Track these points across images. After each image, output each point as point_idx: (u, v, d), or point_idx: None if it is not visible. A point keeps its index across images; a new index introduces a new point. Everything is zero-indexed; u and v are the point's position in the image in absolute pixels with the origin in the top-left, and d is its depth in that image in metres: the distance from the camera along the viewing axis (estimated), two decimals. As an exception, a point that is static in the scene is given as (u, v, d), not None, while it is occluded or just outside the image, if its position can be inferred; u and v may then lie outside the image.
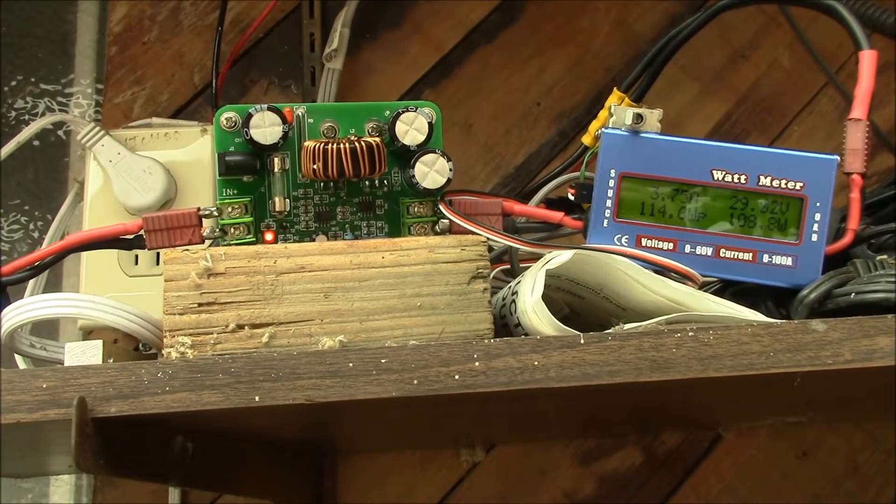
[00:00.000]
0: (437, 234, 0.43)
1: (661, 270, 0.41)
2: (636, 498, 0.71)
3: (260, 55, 0.80)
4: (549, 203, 0.47)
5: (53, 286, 0.72)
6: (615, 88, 0.52)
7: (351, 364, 0.36)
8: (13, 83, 0.81)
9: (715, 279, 0.45)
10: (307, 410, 0.41)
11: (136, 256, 0.57)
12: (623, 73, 0.80)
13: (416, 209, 0.44)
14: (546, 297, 0.43)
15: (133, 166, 0.58)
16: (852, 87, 0.81)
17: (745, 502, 0.71)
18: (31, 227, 0.79)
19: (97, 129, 0.58)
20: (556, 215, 0.44)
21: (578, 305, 0.45)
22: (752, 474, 0.72)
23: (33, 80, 0.82)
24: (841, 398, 0.61)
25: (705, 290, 0.45)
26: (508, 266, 0.49)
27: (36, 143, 0.80)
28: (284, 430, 0.55)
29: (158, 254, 0.56)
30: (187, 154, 0.60)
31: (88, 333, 0.61)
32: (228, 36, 0.79)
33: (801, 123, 0.79)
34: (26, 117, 0.81)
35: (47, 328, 0.70)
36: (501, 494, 0.71)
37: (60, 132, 0.80)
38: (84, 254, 0.59)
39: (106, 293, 0.57)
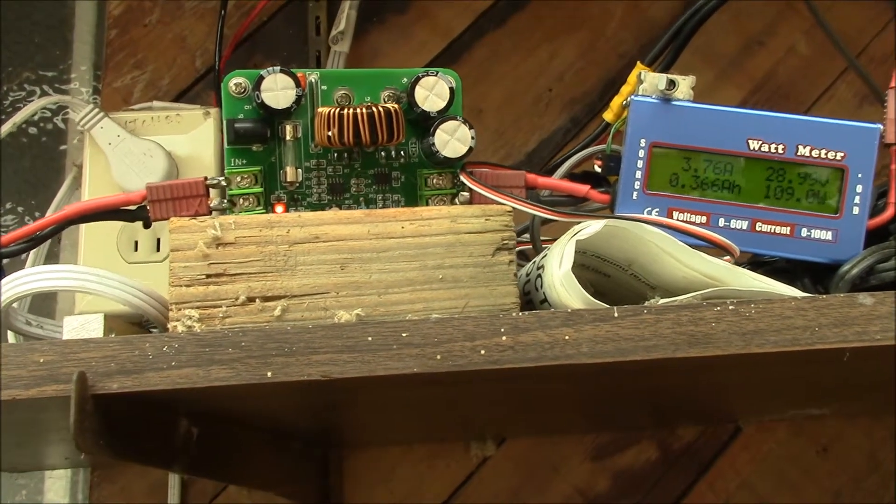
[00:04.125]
0: (470, 205, 0.40)
1: (697, 243, 0.39)
2: (651, 494, 0.69)
3: (264, 39, 0.78)
4: (573, 177, 0.44)
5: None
6: (638, 62, 0.50)
7: (370, 338, 0.33)
8: (10, 69, 0.79)
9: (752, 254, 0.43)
10: (319, 391, 0.39)
11: (136, 243, 0.55)
12: (636, 59, 0.78)
13: (434, 181, 0.41)
14: (570, 276, 0.41)
15: (133, 149, 0.56)
16: (872, 71, 0.80)
17: (764, 499, 0.69)
18: (28, 217, 0.76)
19: (96, 110, 0.56)
20: (583, 188, 0.42)
21: (604, 285, 0.43)
22: (770, 470, 0.69)
23: (31, 66, 0.80)
24: (868, 385, 0.59)
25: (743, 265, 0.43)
26: (526, 247, 0.47)
27: (33, 131, 0.77)
28: (293, 414, 0.53)
29: (159, 240, 0.54)
30: (190, 138, 0.58)
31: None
32: (231, 19, 0.76)
33: (820, 110, 0.77)
34: (23, 105, 0.79)
35: (46, 309, 0.68)
36: (512, 490, 0.69)
37: (58, 120, 0.78)
38: (82, 240, 0.57)
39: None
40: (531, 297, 0.39)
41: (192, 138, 0.58)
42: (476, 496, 0.68)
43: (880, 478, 0.70)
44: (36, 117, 0.78)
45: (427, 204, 0.41)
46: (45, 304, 0.66)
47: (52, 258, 0.71)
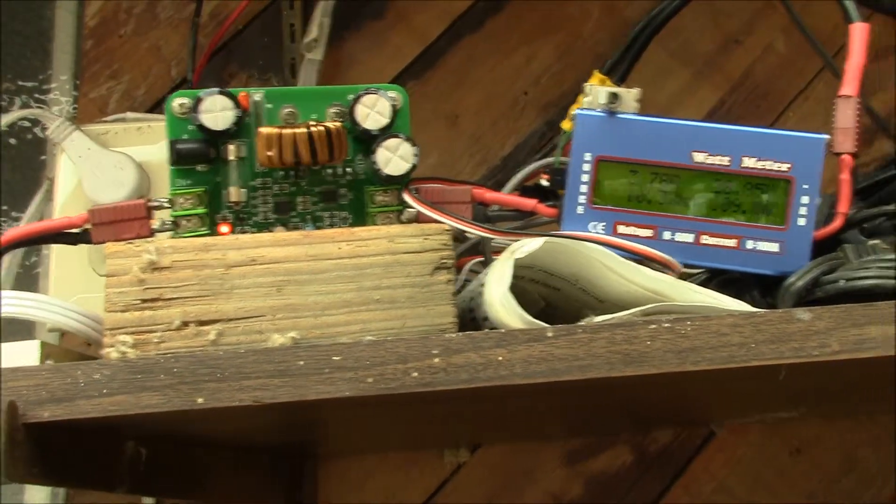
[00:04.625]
0: (403, 224, 0.40)
1: (639, 259, 0.39)
2: (626, 499, 0.69)
3: (239, 48, 0.78)
4: (525, 190, 0.44)
5: (30, 287, 0.70)
6: (596, 71, 0.50)
7: (301, 362, 0.33)
8: (-10, 80, 0.79)
9: (700, 270, 0.43)
10: (278, 412, 0.39)
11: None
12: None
13: (380, 198, 0.41)
14: (520, 290, 0.41)
15: (103, 161, 0.56)
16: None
17: (739, 501, 0.69)
18: (6, 227, 0.77)
19: (66, 123, 0.56)
20: (529, 202, 0.42)
21: (555, 298, 0.43)
22: (745, 472, 0.69)
23: (10, 76, 0.80)
24: (836, 391, 0.59)
25: (690, 281, 0.43)
26: (483, 258, 0.47)
27: (12, 141, 0.78)
28: (256, 433, 0.53)
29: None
30: (161, 149, 0.58)
31: (62, 336, 0.59)
32: (206, 29, 0.76)
33: (797, 109, 0.77)
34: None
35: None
36: (487, 496, 0.69)
37: (37, 130, 0.78)
38: (53, 253, 0.57)
39: (75, 293, 0.55)
40: (475, 315, 0.39)
41: (163, 148, 0.58)
42: (451, 503, 0.68)
43: (856, 478, 0.69)
44: (15, 128, 0.78)
45: (374, 221, 0.41)
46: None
47: (32, 270, 0.71)
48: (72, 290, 0.55)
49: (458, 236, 0.44)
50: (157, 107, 0.76)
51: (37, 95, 0.79)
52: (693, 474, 0.69)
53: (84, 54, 0.78)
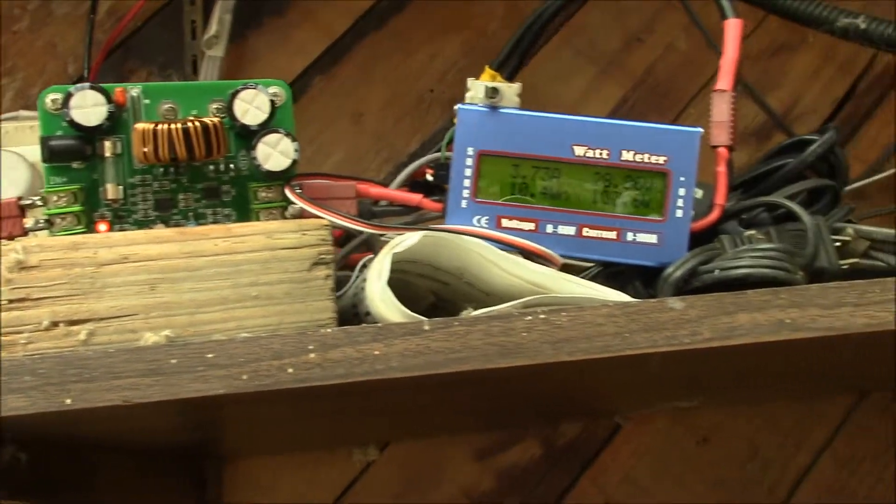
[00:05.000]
0: (287, 220, 0.40)
1: (521, 252, 0.39)
2: (536, 491, 0.69)
3: (139, 44, 0.76)
4: (413, 186, 0.44)
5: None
6: (487, 66, 0.50)
7: (174, 360, 0.33)
8: None
9: (592, 263, 0.43)
10: (167, 412, 0.38)
11: None
12: (516, 58, 0.78)
13: (263, 194, 0.41)
14: (409, 285, 0.41)
15: (-6, 161, 0.54)
16: (748, 69, 0.81)
17: (646, 491, 0.70)
18: None
19: (-47, 122, 0.54)
20: (415, 198, 0.42)
21: (444, 292, 0.43)
22: (652, 462, 0.70)
23: None
24: (731, 379, 0.60)
25: (582, 275, 0.43)
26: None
27: None
28: (154, 434, 0.52)
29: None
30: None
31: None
32: (105, 25, 0.75)
33: (698, 106, 0.78)
34: None
35: None
36: (397, 494, 0.69)
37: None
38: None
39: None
40: (358, 310, 0.39)
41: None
42: (360, 501, 0.68)
43: (760, 463, 0.71)
44: None
45: (258, 218, 0.41)
46: None
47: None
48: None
49: (351, 233, 0.44)
50: (53, 105, 0.74)
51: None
52: (601, 466, 0.70)
53: (-24, 52, 0.75)
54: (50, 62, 0.75)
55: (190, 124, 0.37)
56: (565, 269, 0.47)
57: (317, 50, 0.77)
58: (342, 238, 0.46)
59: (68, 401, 0.32)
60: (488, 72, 0.49)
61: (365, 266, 0.45)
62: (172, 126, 0.37)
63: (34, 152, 0.55)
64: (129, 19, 0.74)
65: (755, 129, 0.79)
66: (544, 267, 0.38)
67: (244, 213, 0.41)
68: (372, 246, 0.45)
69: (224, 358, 0.33)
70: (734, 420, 0.71)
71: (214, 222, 0.41)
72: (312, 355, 0.33)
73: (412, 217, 0.44)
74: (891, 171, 0.73)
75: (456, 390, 0.45)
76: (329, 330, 0.33)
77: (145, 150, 0.37)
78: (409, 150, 0.76)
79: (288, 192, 0.39)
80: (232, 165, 0.41)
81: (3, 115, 0.62)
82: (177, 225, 0.40)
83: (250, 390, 0.33)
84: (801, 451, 0.71)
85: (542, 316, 0.34)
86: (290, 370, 0.33)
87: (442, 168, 0.41)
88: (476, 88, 0.40)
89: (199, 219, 0.41)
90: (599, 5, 0.82)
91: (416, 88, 0.77)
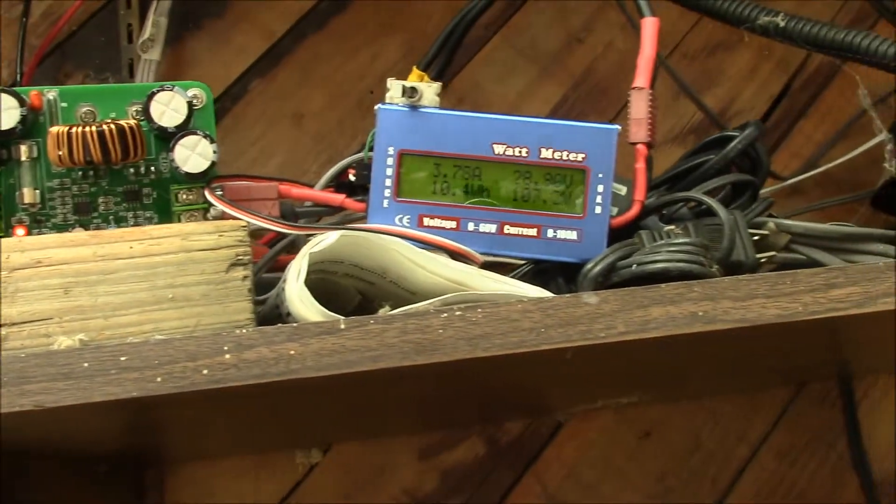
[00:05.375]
0: (204, 222, 0.40)
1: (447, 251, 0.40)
2: (480, 490, 0.70)
3: (74, 48, 0.75)
4: (338, 186, 0.44)
5: None
6: (414, 67, 0.50)
7: (86, 364, 0.32)
8: None
9: (524, 262, 0.44)
10: (99, 416, 0.38)
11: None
12: (456, 57, 0.79)
13: (185, 196, 0.41)
14: (335, 285, 0.41)
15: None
16: (685, 68, 0.82)
17: (590, 487, 0.71)
18: None
19: None
20: (337, 198, 0.42)
21: (371, 292, 0.43)
22: (595, 458, 0.71)
23: None
24: (670, 375, 0.61)
25: (513, 273, 0.43)
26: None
27: None
28: (90, 441, 0.51)
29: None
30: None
31: None
32: (39, 28, 0.74)
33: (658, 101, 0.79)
34: None
35: None
36: (340, 496, 0.68)
37: None
38: None
39: None
40: (280, 311, 0.39)
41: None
42: (304, 504, 0.68)
43: (702, 456, 0.72)
44: None
45: (180, 220, 0.41)
46: None
47: None
48: None
49: (281, 235, 0.44)
50: (-13, 111, 0.73)
51: None
52: (545, 463, 0.71)
53: None
54: (-17, 67, 0.74)
55: (105, 127, 0.37)
56: (494, 267, 0.47)
57: (256, 52, 0.77)
58: (274, 240, 0.46)
59: (-23, 406, 0.32)
60: (416, 72, 0.50)
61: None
62: (87, 129, 0.37)
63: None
64: (65, 22, 0.73)
65: (694, 127, 0.80)
66: (464, 265, 0.39)
67: (166, 215, 0.41)
68: (300, 247, 0.45)
69: (137, 360, 0.33)
70: (676, 415, 0.72)
71: (136, 225, 0.41)
72: (227, 356, 0.33)
73: (337, 217, 0.44)
74: (825, 167, 0.75)
75: (389, 389, 0.45)
76: (244, 330, 0.33)
77: (60, 153, 0.37)
78: (350, 151, 0.75)
79: (207, 194, 0.39)
80: (153, 168, 0.41)
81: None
82: (97, 228, 0.40)
83: (164, 392, 0.32)
84: (742, 444, 0.73)
85: (458, 313, 0.35)
86: (205, 371, 0.33)
87: (364, 168, 0.41)
88: (395, 88, 0.40)
89: (120, 222, 0.40)
90: (540, 5, 0.82)
91: (357, 90, 0.77)
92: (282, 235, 0.44)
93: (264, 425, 0.60)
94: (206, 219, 0.41)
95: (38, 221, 0.40)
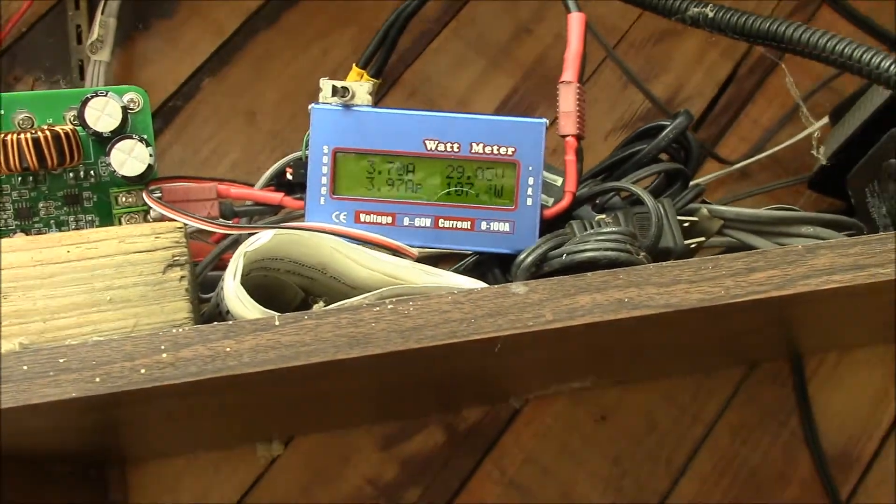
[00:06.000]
0: (141, 224, 0.41)
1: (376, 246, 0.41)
2: (440, 477, 0.71)
3: (23, 50, 0.75)
4: (278, 185, 0.45)
5: None
6: (354, 65, 0.51)
7: (25, 367, 0.33)
8: None
9: (470, 253, 0.45)
10: (60, 416, 0.39)
11: None
12: (405, 53, 0.80)
13: (124, 199, 0.41)
14: (277, 282, 0.42)
15: None
16: (633, 57, 0.83)
17: (547, 470, 0.72)
18: None
19: None
20: (276, 197, 0.43)
21: (312, 288, 0.44)
22: (552, 443, 0.72)
23: None
24: (619, 359, 0.62)
25: (459, 265, 0.45)
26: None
27: None
28: (48, 441, 0.52)
29: None
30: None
31: None
32: (-12, 31, 0.74)
33: (588, 94, 0.80)
34: None
35: None
36: (303, 487, 0.69)
37: None
38: None
39: None
40: (220, 309, 0.40)
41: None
42: (266, 497, 0.69)
43: (656, 439, 0.74)
44: None
45: (121, 222, 0.41)
46: None
47: None
48: None
49: (225, 234, 0.45)
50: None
51: None
52: (503, 448, 0.72)
53: None
54: (-68, 72, 0.74)
55: (40, 134, 0.38)
56: (439, 259, 0.48)
57: (207, 50, 0.77)
58: (220, 239, 0.47)
59: (-83, 412, 0.32)
60: (355, 70, 0.50)
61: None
62: (22, 136, 0.38)
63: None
64: (13, 25, 0.73)
65: (642, 114, 0.82)
66: (399, 259, 0.40)
67: (107, 218, 0.42)
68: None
69: (76, 362, 0.33)
70: (631, 397, 0.73)
71: (77, 229, 0.41)
72: (164, 355, 0.34)
73: (279, 216, 0.45)
74: (771, 151, 0.76)
75: (336, 382, 0.46)
76: (181, 330, 0.34)
77: (-3, 160, 0.38)
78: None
79: (145, 197, 0.40)
80: (92, 172, 0.41)
81: None
82: (38, 233, 0.41)
83: (103, 392, 0.33)
84: (697, 424, 0.74)
85: (390, 306, 0.36)
86: (143, 371, 0.34)
87: (301, 167, 0.42)
88: (326, 88, 0.41)
89: (61, 226, 0.41)
90: (489, -4, 0.83)
91: (309, 85, 0.77)
92: (226, 234, 0.45)
93: (223, 421, 0.60)
94: (146, 221, 0.41)
95: (-21, 228, 0.40)
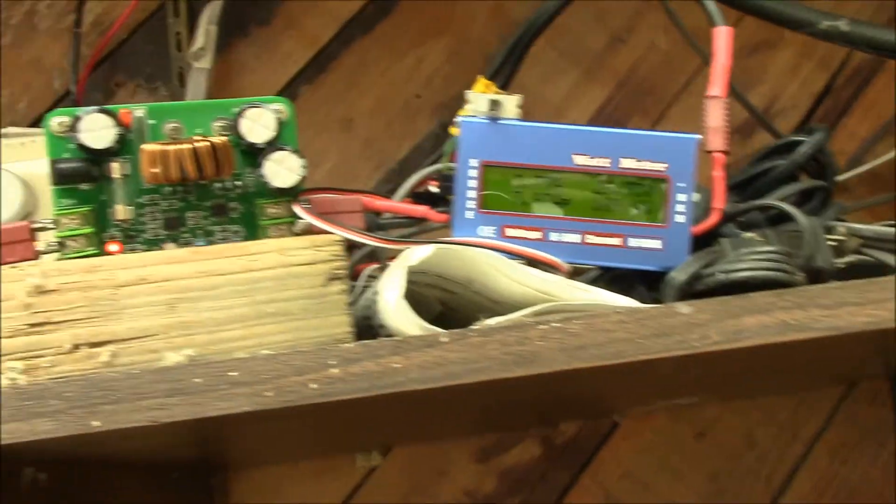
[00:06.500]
0: (296, 235, 0.40)
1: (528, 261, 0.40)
2: (537, 490, 0.70)
3: (124, 57, 0.76)
4: (416, 197, 0.45)
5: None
6: (480, 77, 0.51)
7: (198, 379, 0.33)
8: None
9: (591, 266, 0.44)
10: (181, 429, 0.39)
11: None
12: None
13: (271, 210, 0.41)
14: (417, 295, 0.41)
15: (-14, 180, 0.54)
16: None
17: (646, 486, 0.71)
18: None
19: (-55, 142, 0.54)
20: (420, 209, 0.42)
21: (451, 301, 0.44)
22: (650, 458, 0.71)
23: None
24: (732, 376, 0.61)
25: (580, 279, 0.44)
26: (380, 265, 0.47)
27: None
28: (162, 450, 0.52)
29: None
30: (46, 164, 0.56)
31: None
32: (89, 38, 0.75)
33: (680, 104, 0.79)
34: None
35: None
36: (401, 497, 0.69)
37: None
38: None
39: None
40: (371, 323, 0.40)
41: (47, 164, 0.56)
42: (365, 506, 0.69)
43: (755, 456, 0.73)
44: None
45: (266, 234, 0.41)
46: None
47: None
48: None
49: (354, 244, 0.45)
50: (40, 120, 0.74)
51: (-89, 112, 0.76)
52: (600, 463, 0.71)
53: (-41, 69, 0.75)
54: (35, 77, 0.75)
55: (199, 144, 0.38)
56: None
57: (303, 58, 0.77)
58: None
59: (96, 423, 0.32)
60: (482, 81, 0.50)
61: (372, 277, 0.46)
62: (182, 147, 0.38)
63: (23, 169, 0.56)
64: (115, 31, 0.74)
65: (738, 125, 0.81)
66: (552, 274, 0.39)
67: (252, 229, 0.42)
68: (377, 256, 0.45)
69: (247, 375, 0.33)
70: (730, 414, 0.72)
71: (223, 239, 0.41)
72: (334, 370, 0.34)
73: (416, 228, 0.45)
74: (871, 164, 0.75)
75: (468, 397, 0.46)
76: (349, 345, 0.34)
77: (155, 171, 0.38)
78: (398, 157, 0.76)
79: (297, 209, 0.40)
80: (238, 182, 0.41)
81: (-9, 133, 0.62)
82: (186, 243, 0.41)
83: (276, 406, 0.33)
84: (796, 442, 0.73)
85: (556, 324, 0.35)
86: (314, 385, 0.33)
87: (446, 179, 0.42)
88: (478, 101, 0.41)
89: (208, 236, 0.41)
90: (580, 6, 0.83)
91: (404, 94, 0.77)
92: (356, 245, 0.44)
93: (328, 430, 0.60)
94: (291, 232, 0.41)
95: (130, 237, 0.40)
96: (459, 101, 0.78)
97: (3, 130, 0.62)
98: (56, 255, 0.39)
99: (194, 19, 0.75)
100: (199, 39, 0.71)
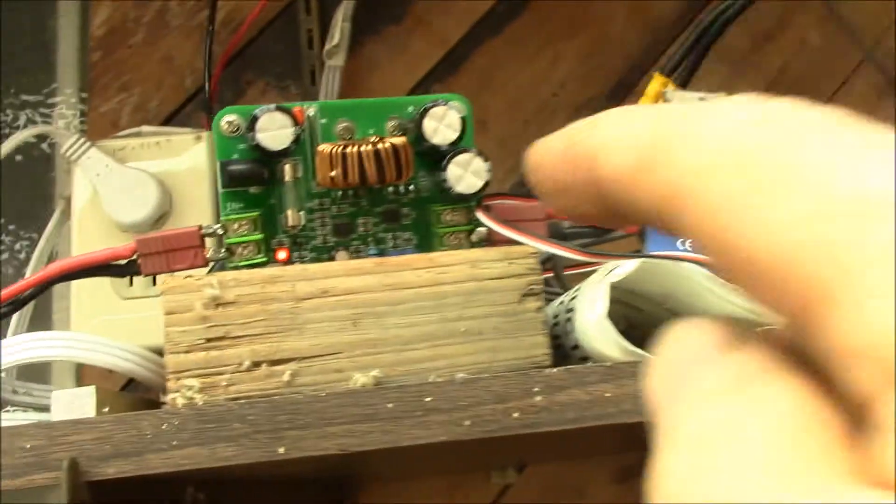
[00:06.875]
0: (473, 244, 0.37)
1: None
2: (681, 515, 0.66)
3: (254, 55, 0.75)
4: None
5: (42, 310, 0.67)
6: (656, 73, 0.47)
7: (390, 405, 0.30)
8: (-8, 95, 0.76)
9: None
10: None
11: (131, 277, 0.52)
12: (641, 60, 0.75)
13: (448, 217, 0.38)
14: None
15: (122, 179, 0.53)
16: (888, 63, 0.77)
17: None
18: (17, 247, 0.73)
19: (82, 140, 0.53)
20: (609, 218, 0.39)
21: (636, 318, 0.40)
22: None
23: (13, 91, 0.76)
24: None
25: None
26: (549, 275, 0.44)
27: (18, 157, 0.74)
28: (310, 467, 0.50)
29: (155, 274, 0.51)
30: (181, 163, 0.55)
31: (79, 368, 0.56)
32: (219, 36, 0.73)
33: (838, 104, 0.74)
34: (7, 131, 0.76)
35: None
36: (536, 518, 0.66)
37: (44, 146, 0.75)
38: (73, 278, 0.54)
39: (98, 317, 0.52)
40: (561, 342, 0.36)
41: (183, 163, 0.55)
42: (498, 526, 0.66)
43: None
44: (22, 144, 0.75)
45: (441, 242, 0.38)
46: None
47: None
48: (94, 313, 0.52)
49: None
50: (171, 118, 0.73)
51: (41, 110, 0.76)
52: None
53: (92, 66, 0.74)
54: (167, 76, 0.74)
55: (381, 146, 0.35)
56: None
57: (434, 58, 0.75)
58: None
59: (281, 450, 0.30)
60: (659, 79, 0.46)
61: (549, 291, 0.42)
62: (364, 148, 0.35)
63: (157, 168, 0.54)
64: (246, 29, 0.72)
65: (898, 128, 0.74)
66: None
67: (425, 236, 0.39)
68: (555, 268, 0.42)
69: (444, 402, 0.30)
70: None
71: (394, 247, 0.38)
72: (538, 398, 0.30)
73: (595, 239, 0.41)
74: None
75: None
76: (554, 370, 0.31)
77: (333, 174, 0.35)
78: (534, 159, 0.73)
79: (482, 217, 0.36)
80: (412, 187, 0.38)
81: (125, 132, 0.61)
82: (356, 251, 0.38)
83: (474, 437, 0.30)
84: None
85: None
86: (516, 415, 0.30)
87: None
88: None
89: (379, 244, 0.38)
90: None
91: (538, 94, 0.74)
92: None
93: (465, 448, 0.57)
94: (469, 241, 0.38)
95: (299, 244, 0.38)
96: (597, 103, 0.74)
97: (138, 129, 0.61)
98: (224, 262, 0.37)
99: (326, 17, 0.73)
100: (336, 37, 0.69)
